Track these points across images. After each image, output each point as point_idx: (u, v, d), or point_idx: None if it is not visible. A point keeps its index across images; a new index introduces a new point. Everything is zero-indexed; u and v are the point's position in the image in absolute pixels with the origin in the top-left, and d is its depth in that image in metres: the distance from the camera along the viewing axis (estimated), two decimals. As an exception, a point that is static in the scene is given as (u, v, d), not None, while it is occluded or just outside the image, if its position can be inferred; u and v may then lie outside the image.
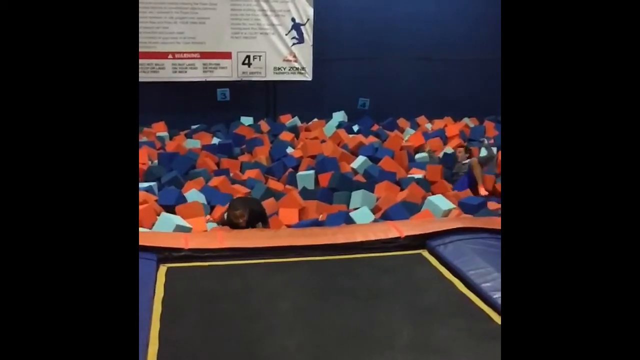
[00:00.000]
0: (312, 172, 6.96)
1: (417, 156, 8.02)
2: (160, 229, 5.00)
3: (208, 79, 9.60)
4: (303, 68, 9.97)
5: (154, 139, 8.61)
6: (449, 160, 7.54)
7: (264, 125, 9.42)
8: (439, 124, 9.79)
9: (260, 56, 9.76)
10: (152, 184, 6.44)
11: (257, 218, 5.18)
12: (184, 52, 9.42)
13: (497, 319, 3.61)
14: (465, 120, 10.04)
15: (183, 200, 5.86)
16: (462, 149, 7.46)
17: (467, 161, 7.14)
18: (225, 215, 5.24)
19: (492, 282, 3.90)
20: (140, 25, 9.06)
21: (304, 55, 9.93)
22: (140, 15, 9.03)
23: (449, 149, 8.14)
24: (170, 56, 9.38)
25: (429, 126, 9.79)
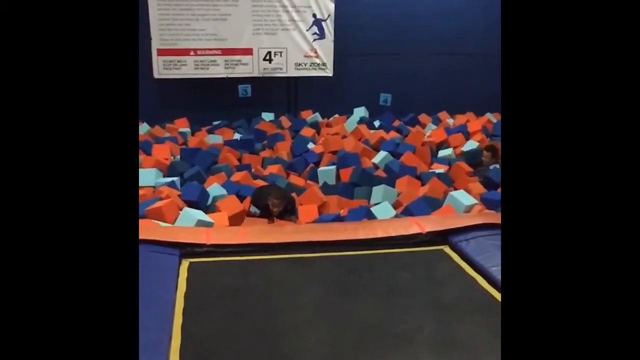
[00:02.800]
0: (333, 167, 6.96)
1: (440, 153, 7.95)
2: (182, 223, 5.04)
3: (230, 76, 9.64)
4: (324, 64, 9.96)
5: (177, 135, 8.67)
6: (470, 159, 7.46)
7: (285, 121, 9.44)
8: (461, 119, 9.72)
9: (281, 52, 9.77)
10: (174, 179, 6.50)
11: (289, 209, 5.24)
12: (205, 49, 9.46)
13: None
14: (488, 115, 9.95)
15: (206, 194, 5.89)
16: (489, 154, 7.27)
17: (493, 167, 6.99)
18: (254, 202, 5.23)
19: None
20: (162, 22, 9.14)
21: (325, 51, 9.93)
22: (162, 12, 9.12)
23: (473, 143, 8.06)
24: (192, 53, 9.44)
25: (450, 121, 9.72)
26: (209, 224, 5.03)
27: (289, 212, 5.27)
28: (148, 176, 6.46)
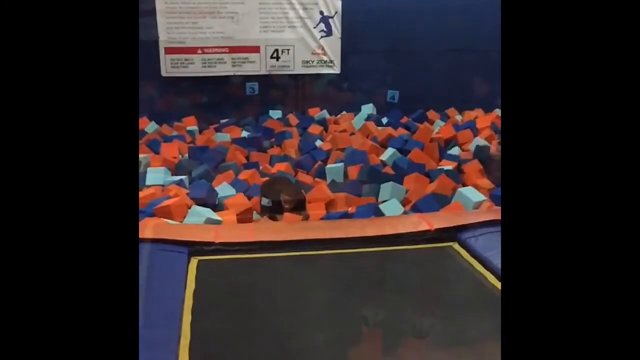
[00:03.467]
0: (341, 164, 6.95)
1: (450, 151, 7.92)
2: (191, 221, 5.05)
3: (237, 73, 9.65)
4: (331, 61, 9.94)
5: (184, 133, 8.68)
6: (480, 156, 7.40)
7: (293, 119, 9.43)
8: (469, 115, 9.68)
9: (288, 50, 9.76)
10: (183, 177, 6.51)
11: (301, 204, 5.24)
12: (213, 47, 9.47)
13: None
14: (497, 111, 9.90)
15: (214, 193, 5.90)
16: (498, 153, 7.15)
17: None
18: (265, 193, 5.21)
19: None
20: (170, 20, 9.15)
21: (332, 48, 9.90)
22: (169, 11, 9.13)
23: (480, 140, 8.01)
24: (199, 51, 9.44)
25: (459, 118, 9.69)
26: (217, 222, 5.04)
27: (299, 208, 5.27)
28: (156, 175, 6.47)
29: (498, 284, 3.91)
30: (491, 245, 4.31)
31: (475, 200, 5.63)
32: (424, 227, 4.65)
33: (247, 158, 7.61)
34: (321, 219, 5.42)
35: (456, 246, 4.54)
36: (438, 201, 5.69)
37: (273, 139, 8.44)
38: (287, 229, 4.82)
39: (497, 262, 4.06)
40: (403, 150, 7.51)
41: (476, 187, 6.09)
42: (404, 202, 5.90)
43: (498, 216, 4.75)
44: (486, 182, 6.37)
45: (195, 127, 9.11)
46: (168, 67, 9.35)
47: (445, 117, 9.80)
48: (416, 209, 5.56)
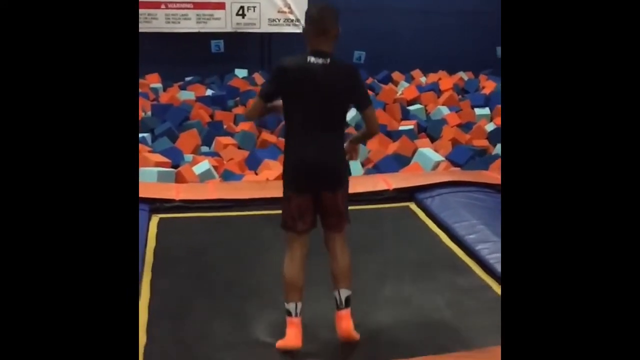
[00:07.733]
0: (304, 124, 6.97)
1: (411, 108, 8.03)
2: (143, 179, 5.03)
3: (202, 30, 9.50)
4: (298, 20, 9.85)
5: (148, 91, 8.57)
6: None
7: (259, 78, 9.37)
8: (433, 77, 9.76)
9: (254, 7, 9.64)
10: (145, 135, 6.47)
11: None
12: (176, 2, 9.29)
13: (480, 272, 3.72)
14: (460, 73, 10.00)
15: (179, 154, 5.92)
16: None
17: None
18: None
19: (475, 234, 4.00)
20: (132, -26, 8.93)
21: (299, 6, 9.78)
22: (132, -37, 8.91)
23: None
24: (163, 6, 9.26)
25: (423, 80, 9.76)
26: (169, 174, 5.06)
27: None
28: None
29: (451, 244, 4.07)
30: (446, 206, 4.46)
31: (435, 160, 5.76)
32: (382, 187, 4.77)
33: (211, 117, 7.58)
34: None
35: (413, 206, 4.67)
36: (398, 162, 5.80)
37: (238, 98, 8.40)
38: (248, 187, 4.88)
39: (450, 222, 4.23)
40: (366, 111, 7.55)
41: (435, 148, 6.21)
42: (365, 162, 5.99)
43: (453, 177, 4.90)
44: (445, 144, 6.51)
45: (159, 85, 9.00)
46: (131, 22, 9.17)
47: (410, 79, 9.86)
48: (376, 169, 5.67)
